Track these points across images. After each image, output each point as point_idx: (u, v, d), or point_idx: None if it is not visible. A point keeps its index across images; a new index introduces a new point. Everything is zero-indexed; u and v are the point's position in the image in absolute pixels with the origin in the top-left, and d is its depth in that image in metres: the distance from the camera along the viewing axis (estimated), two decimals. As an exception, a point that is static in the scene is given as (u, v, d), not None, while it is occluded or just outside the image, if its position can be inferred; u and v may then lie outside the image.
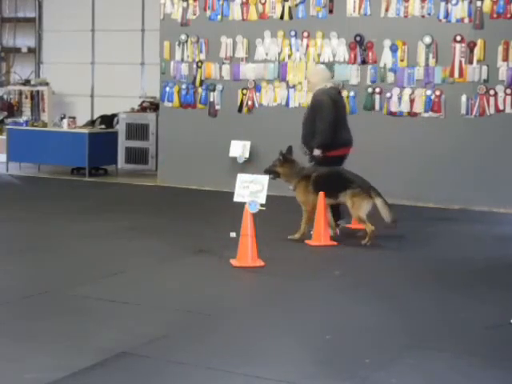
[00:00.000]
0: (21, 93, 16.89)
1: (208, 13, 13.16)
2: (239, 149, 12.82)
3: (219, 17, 13.09)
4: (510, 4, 11.31)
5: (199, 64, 13.26)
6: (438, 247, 8.85)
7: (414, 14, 11.81)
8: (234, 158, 12.82)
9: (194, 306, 6.30)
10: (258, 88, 12.89)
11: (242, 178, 7.94)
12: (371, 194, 8.67)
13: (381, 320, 6.00)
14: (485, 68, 11.48)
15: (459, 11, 11.55)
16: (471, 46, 11.53)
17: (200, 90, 13.30)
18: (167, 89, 13.53)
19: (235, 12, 12.95)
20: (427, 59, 11.79)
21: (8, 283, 6.88)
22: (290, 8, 12.60)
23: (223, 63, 13.10)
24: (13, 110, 16.79)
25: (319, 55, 12.45)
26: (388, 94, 12.03)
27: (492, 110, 11.47)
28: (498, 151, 11.47)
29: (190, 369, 4.87)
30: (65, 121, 14.43)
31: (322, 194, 8.75)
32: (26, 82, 16.83)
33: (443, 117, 11.77)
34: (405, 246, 8.87)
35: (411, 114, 11.93)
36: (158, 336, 5.50)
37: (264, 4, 12.78)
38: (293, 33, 12.58)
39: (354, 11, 12.17)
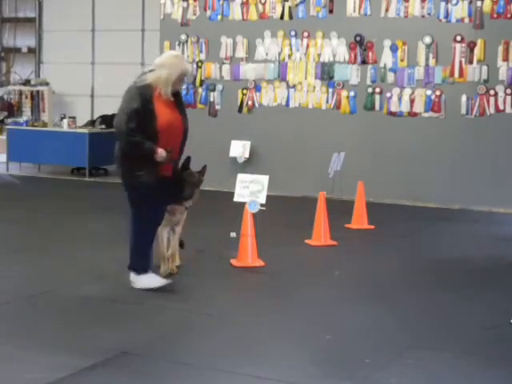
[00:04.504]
0: (21, 93, 16.88)
1: (208, 13, 13.16)
2: (239, 149, 12.82)
3: (219, 17, 13.09)
4: (510, 4, 11.31)
5: (199, 64, 13.27)
6: (437, 247, 8.85)
7: (414, 13, 11.81)
8: (234, 158, 12.82)
9: (195, 305, 6.30)
10: (258, 88, 12.89)
11: (241, 177, 7.95)
12: None
13: (381, 320, 6.00)
14: (485, 68, 11.48)
15: (459, 11, 11.55)
16: (471, 46, 11.53)
17: (200, 89, 13.31)
18: (167, 89, 13.52)
19: (235, 12, 12.95)
20: (427, 59, 11.79)
21: (8, 283, 6.88)
22: (290, 8, 12.60)
23: (223, 63, 13.11)
24: (13, 109, 16.78)
25: (319, 55, 12.45)
26: (388, 94, 12.03)
27: (492, 110, 11.47)
28: (498, 151, 11.47)
29: (190, 369, 4.86)
30: (65, 121, 14.43)
31: (322, 194, 8.75)
32: (26, 82, 16.83)
33: (443, 117, 11.77)
34: (405, 246, 8.87)
35: (411, 113, 11.93)
36: (157, 336, 5.50)
37: (264, 4, 12.78)
38: (293, 33, 12.58)
39: (354, 11, 12.17)
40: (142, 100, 6.42)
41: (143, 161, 6.40)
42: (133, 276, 6.63)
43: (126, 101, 6.49)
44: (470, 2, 11.48)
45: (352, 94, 12.27)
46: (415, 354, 5.19)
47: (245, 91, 12.97)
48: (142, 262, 6.58)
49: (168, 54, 7.18)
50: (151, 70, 6.64)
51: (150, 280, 6.58)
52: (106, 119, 15.34)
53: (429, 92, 11.79)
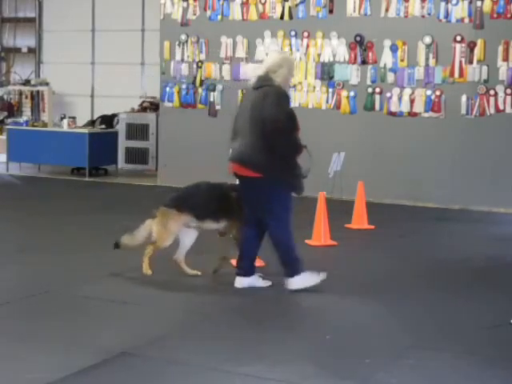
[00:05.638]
0: (21, 93, 16.89)
1: (208, 13, 13.16)
2: (239, 149, 12.80)
3: (219, 17, 13.08)
4: (510, 4, 11.30)
5: (199, 64, 13.26)
6: (437, 247, 8.85)
7: (414, 13, 11.81)
8: (234, 158, 12.79)
9: (194, 305, 6.30)
10: (258, 88, 12.87)
11: (242, 178, 7.93)
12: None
13: (381, 320, 6.00)
14: (485, 68, 11.48)
15: (459, 11, 11.54)
16: (471, 46, 11.53)
17: (200, 90, 13.30)
18: (167, 89, 13.53)
19: (235, 12, 12.95)
20: (427, 59, 11.79)
21: (8, 283, 6.89)
22: (290, 8, 12.59)
23: (223, 63, 13.10)
24: (13, 109, 16.79)
25: (319, 55, 12.45)
26: (388, 94, 12.03)
27: (492, 110, 11.46)
28: (498, 151, 11.46)
29: (190, 369, 4.87)
30: (65, 121, 14.43)
31: (322, 194, 8.75)
32: (26, 82, 16.83)
33: (443, 117, 11.77)
34: (405, 246, 8.87)
35: (411, 114, 11.93)
36: (157, 336, 5.50)
37: (264, 4, 12.77)
38: (293, 33, 12.58)
39: (354, 11, 12.16)
40: (289, 102, 6.72)
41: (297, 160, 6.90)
42: (291, 280, 6.58)
43: (278, 104, 6.53)
44: (470, 2, 11.48)
45: (352, 94, 12.26)
46: (415, 354, 5.19)
47: (245, 91, 12.95)
48: (297, 263, 6.59)
49: (277, 53, 7.50)
50: (267, 73, 6.71)
51: (306, 279, 6.58)
52: (106, 119, 15.37)
53: (429, 92, 11.79)
